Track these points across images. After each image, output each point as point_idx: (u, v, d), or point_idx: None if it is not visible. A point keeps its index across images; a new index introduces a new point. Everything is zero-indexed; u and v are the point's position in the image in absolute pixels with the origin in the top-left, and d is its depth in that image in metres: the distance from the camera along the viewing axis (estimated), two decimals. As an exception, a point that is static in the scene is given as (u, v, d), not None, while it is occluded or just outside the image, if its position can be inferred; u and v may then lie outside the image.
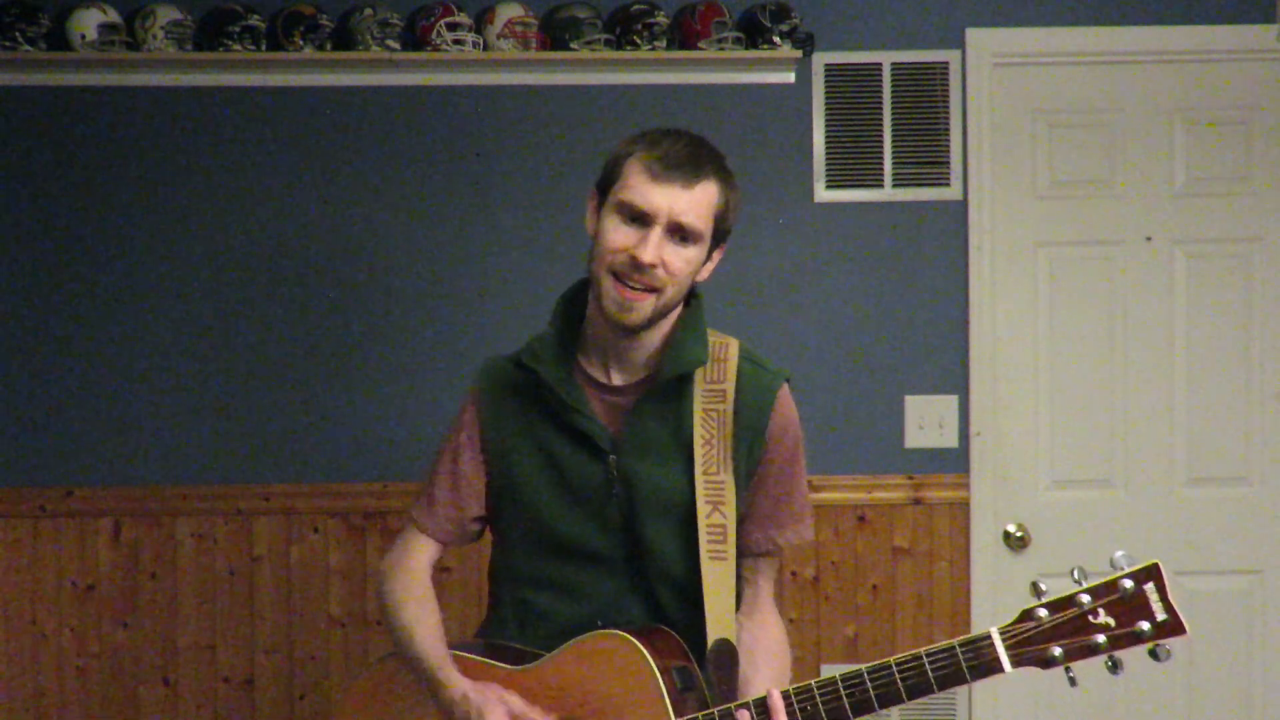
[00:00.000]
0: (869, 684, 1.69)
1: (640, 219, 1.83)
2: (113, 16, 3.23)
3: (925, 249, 3.44)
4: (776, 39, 3.29)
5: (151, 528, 3.37)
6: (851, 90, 3.41)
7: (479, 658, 1.93)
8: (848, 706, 1.71)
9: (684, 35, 3.31)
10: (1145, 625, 1.55)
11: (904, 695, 1.67)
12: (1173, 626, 1.54)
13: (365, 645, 3.36)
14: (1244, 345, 3.49)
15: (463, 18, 3.27)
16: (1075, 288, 3.48)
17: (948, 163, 3.42)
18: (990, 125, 3.42)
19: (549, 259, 3.29)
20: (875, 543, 3.44)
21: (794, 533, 1.99)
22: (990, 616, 3.38)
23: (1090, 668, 1.62)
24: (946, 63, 3.42)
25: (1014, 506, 3.45)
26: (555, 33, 3.31)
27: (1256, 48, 3.43)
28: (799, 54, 3.31)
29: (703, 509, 1.88)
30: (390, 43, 3.27)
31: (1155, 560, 1.57)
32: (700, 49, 3.28)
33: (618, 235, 1.83)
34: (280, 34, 3.25)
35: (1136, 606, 1.55)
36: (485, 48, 3.29)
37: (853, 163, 3.42)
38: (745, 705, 1.77)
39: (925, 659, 1.65)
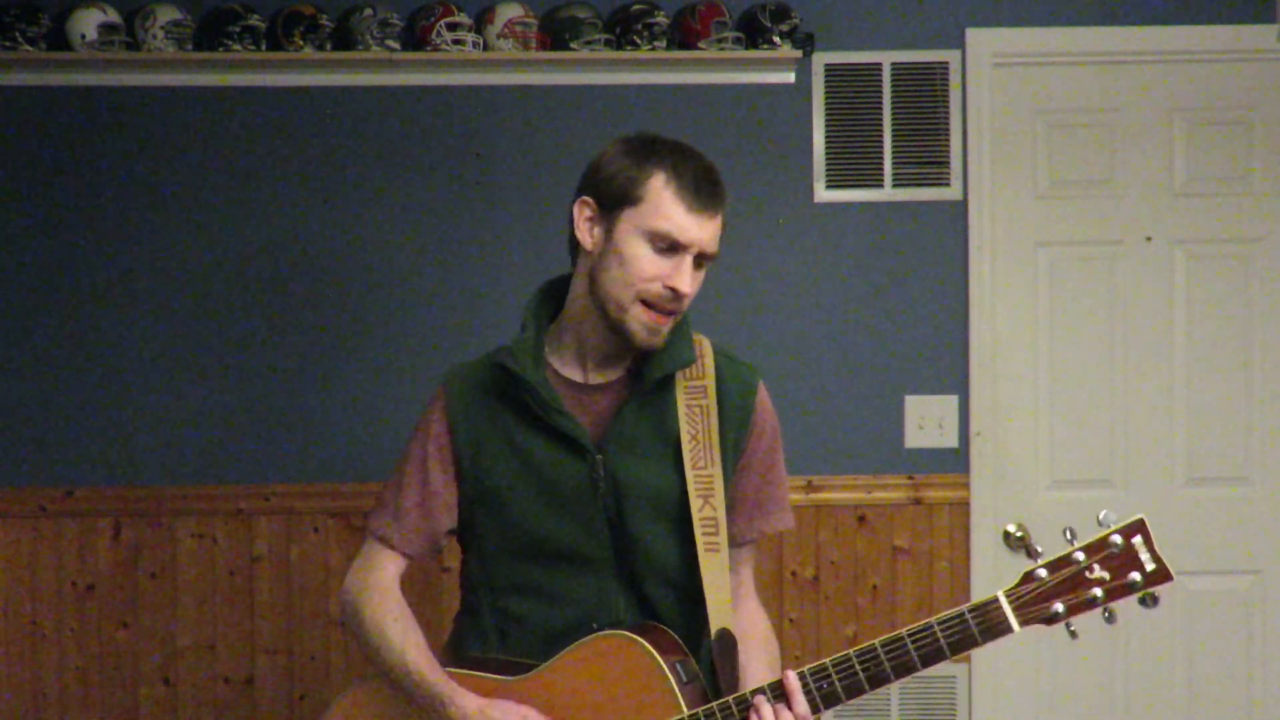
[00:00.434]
0: (883, 657, 1.73)
1: (671, 249, 1.84)
2: (113, 16, 3.23)
3: (925, 249, 3.44)
4: (776, 39, 3.29)
5: (151, 528, 3.37)
6: (851, 90, 3.41)
7: (467, 672, 1.90)
8: (864, 680, 1.74)
9: (684, 35, 3.31)
10: (1136, 576, 1.66)
11: (918, 664, 1.73)
12: (1161, 574, 1.66)
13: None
14: (1244, 345, 3.49)
15: (463, 18, 3.27)
16: (1075, 288, 3.48)
17: (948, 163, 3.42)
18: (990, 125, 3.42)
19: (549, 259, 3.29)
20: (875, 543, 3.44)
21: (779, 520, 2.02)
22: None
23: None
24: (946, 63, 3.42)
25: (1014, 506, 3.45)
26: (555, 33, 3.31)
27: (1256, 48, 3.43)
28: (799, 54, 3.31)
29: (694, 502, 1.89)
30: (390, 43, 3.27)
31: (1141, 515, 1.67)
32: (700, 49, 3.28)
33: (650, 265, 1.84)
34: (280, 34, 3.25)
35: (1128, 559, 1.66)
36: (485, 48, 3.29)
37: (853, 163, 3.42)
38: (761, 690, 1.78)
39: (937, 627, 1.71)
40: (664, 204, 1.84)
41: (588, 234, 1.89)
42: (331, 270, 3.39)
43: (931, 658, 1.71)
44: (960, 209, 3.42)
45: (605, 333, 1.90)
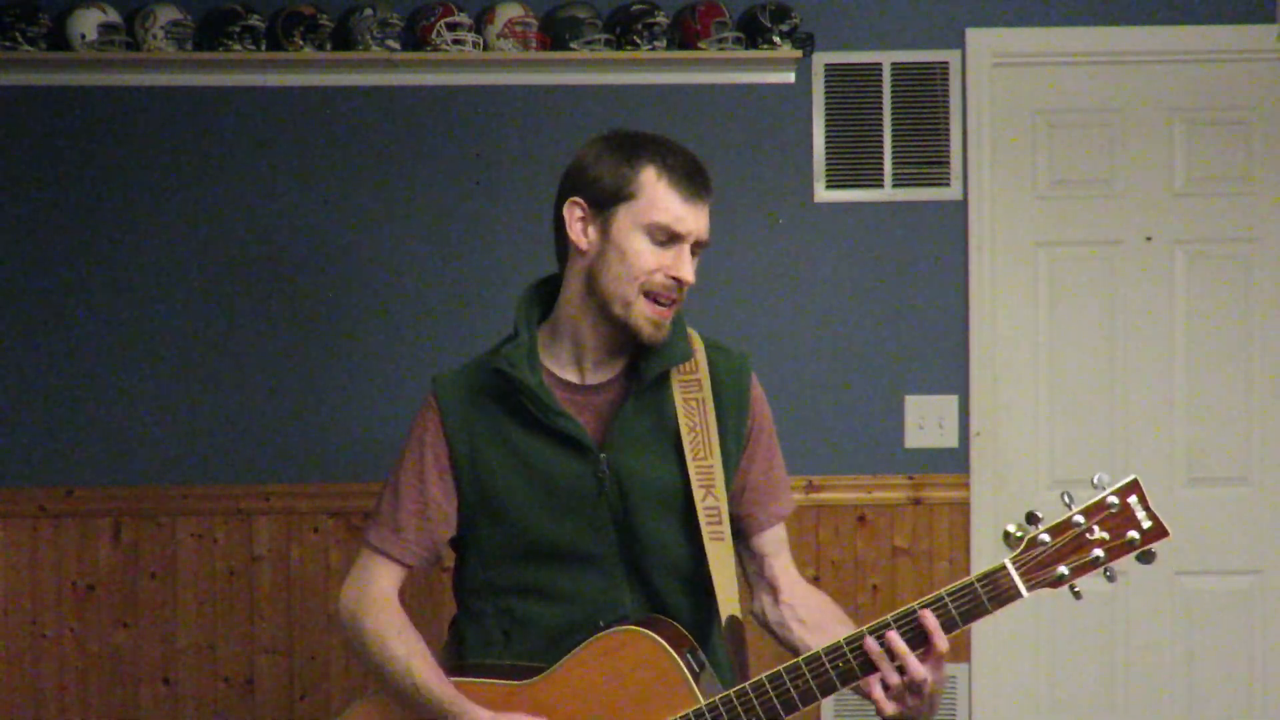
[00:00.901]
0: (891, 630, 1.74)
1: (670, 240, 1.86)
2: (113, 16, 3.23)
3: (925, 249, 3.44)
4: (776, 39, 3.29)
5: (151, 528, 3.37)
6: (851, 90, 3.41)
7: (474, 680, 1.89)
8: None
9: (684, 35, 3.31)
10: (1134, 534, 1.70)
11: None
12: (1158, 531, 1.70)
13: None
14: (1244, 345, 3.49)
15: (463, 18, 3.27)
16: (1075, 288, 3.48)
17: (948, 163, 3.42)
18: (990, 125, 3.42)
19: (549, 258, 3.28)
20: (875, 543, 3.44)
21: (786, 503, 2.04)
22: (990, 616, 3.37)
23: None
24: (946, 63, 3.42)
25: (1014, 506, 3.45)
26: (555, 33, 3.31)
27: (1256, 48, 3.43)
28: (799, 54, 3.31)
29: (697, 493, 1.91)
30: (390, 43, 3.27)
31: (1134, 476, 1.72)
32: (700, 49, 3.28)
33: (652, 257, 1.86)
34: (280, 34, 3.25)
35: (1125, 518, 1.71)
36: (485, 48, 3.29)
37: (853, 163, 3.42)
38: (887, 626, 1.75)
39: (947, 598, 1.73)
40: (659, 197, 1.85)
41: (581, 235, 1.90)
42: (331, 270, 3.39)
43: (946, 628, 1.72)
44: (960, 209, 3.42)
45: (604, 332, 1.90)
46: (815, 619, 1.96)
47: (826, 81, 3.41)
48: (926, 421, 3.44)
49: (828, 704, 3.35)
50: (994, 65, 3.42)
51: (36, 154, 3.36)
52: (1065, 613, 3.46)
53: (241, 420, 3.38)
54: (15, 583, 3.37)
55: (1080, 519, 1.71)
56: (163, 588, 3.37)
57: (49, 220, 3.37)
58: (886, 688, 1.74)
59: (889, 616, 1.75)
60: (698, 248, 1.90)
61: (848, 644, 1.76)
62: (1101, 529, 1.70)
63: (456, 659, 1.99)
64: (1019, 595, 1.72)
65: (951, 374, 3.44)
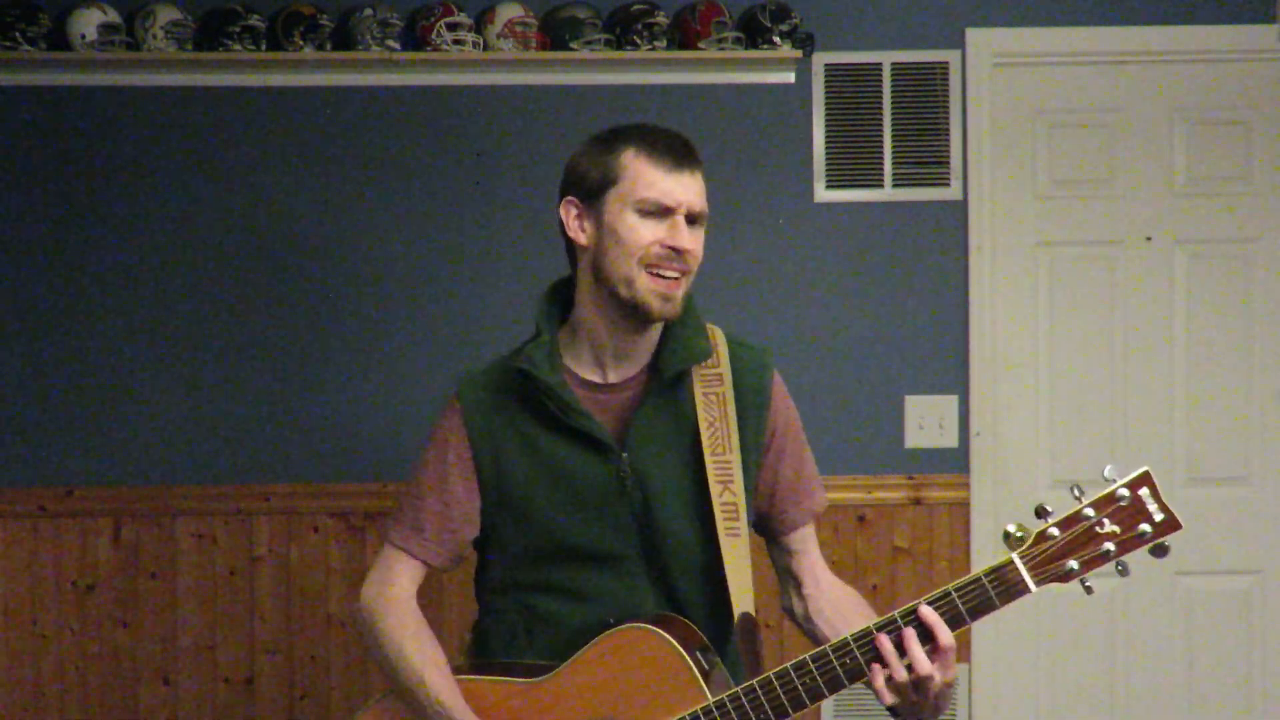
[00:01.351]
0: (901, 627, 1.73)
1: (661, 213, 1.86)
2: (113, 16, 3.23)
3: (925, 249, 3.44)
4: (776, 39, 3.29)
5: (151, 528, 3.37)
6: (851, 90, 3.41)
7: (490, 678, 1.90)
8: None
9: (684, 35, 3.31)
10: (1146, 527, 1.69)
11: None
12: (1170, 524, 1.69)
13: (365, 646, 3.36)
14: (1244, 345, 3.49)
15: (463, 18, 3.27)
16: (1075, 288, 3.48)
17: (948, 163, 3.42)
18: (990, 125, 3.42)
19: (549, 259, 3.28)
20: (875, 543, 3.44)
21: (819, 499, 2.04)
22: (990, 616, 3.37)
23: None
24: (946, 63, 3.42)
25: (1014, 506, 3.45)
26: (555, 33, 3.30)
27: (1256, 48, 3.43)
28: (799, 54, 3.31)
29: (714, 489, 1.91)
30: (390, 43, 3.27)
31: (1146, 468, 1.70)
32: (700, 49, 3.28)
33: (646, 231, 1.86)
34: (280, 34, 3.25)
35: (1136, 511, 1.69)
36: (485, 48, 3.29)
37: (853, 163, 3.42)
38: (894, 622, 1.75)
39: (955, 593, 1.72)
40: (642, 173, 1.87)
41: (580, 231, 1.91)
42: (332, 270, 3.39)
43: (953, 623, 1.72)
44: (960, 209, 3.42)
45: (621, 326, 1.91)
46: (839, 614, 1.96)
47: (826, 81, 3.41)
48: (926, 421, 3.44)
49: (828, 704, 3.36)
50: (994, 65, 3.42)
51: (37, 154, 3.36)
52: (1065, 613, 3.46)
53: (241, 420, 3.38)
54: (15, 583, 3.37)
55: (1090, 512, 1.69)
56: (163, 588, 3.38)
57: (49, 220, 3.37)
58: (889, 680, 1.74)
59: (895, 613, 1.75)
60: (695, 221, 1.89)
61: (855, 640, 1.75)
62: (1112, 522, 1.68)
63: (480, 658, 2.00)
64: (1027, 590, 1.70)
65: (951, 374, 3.44)
